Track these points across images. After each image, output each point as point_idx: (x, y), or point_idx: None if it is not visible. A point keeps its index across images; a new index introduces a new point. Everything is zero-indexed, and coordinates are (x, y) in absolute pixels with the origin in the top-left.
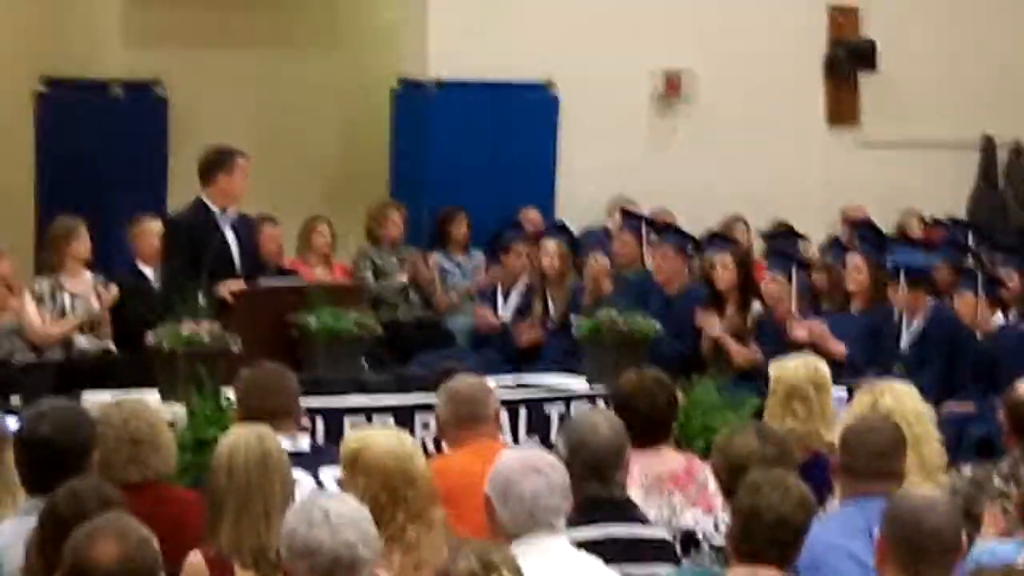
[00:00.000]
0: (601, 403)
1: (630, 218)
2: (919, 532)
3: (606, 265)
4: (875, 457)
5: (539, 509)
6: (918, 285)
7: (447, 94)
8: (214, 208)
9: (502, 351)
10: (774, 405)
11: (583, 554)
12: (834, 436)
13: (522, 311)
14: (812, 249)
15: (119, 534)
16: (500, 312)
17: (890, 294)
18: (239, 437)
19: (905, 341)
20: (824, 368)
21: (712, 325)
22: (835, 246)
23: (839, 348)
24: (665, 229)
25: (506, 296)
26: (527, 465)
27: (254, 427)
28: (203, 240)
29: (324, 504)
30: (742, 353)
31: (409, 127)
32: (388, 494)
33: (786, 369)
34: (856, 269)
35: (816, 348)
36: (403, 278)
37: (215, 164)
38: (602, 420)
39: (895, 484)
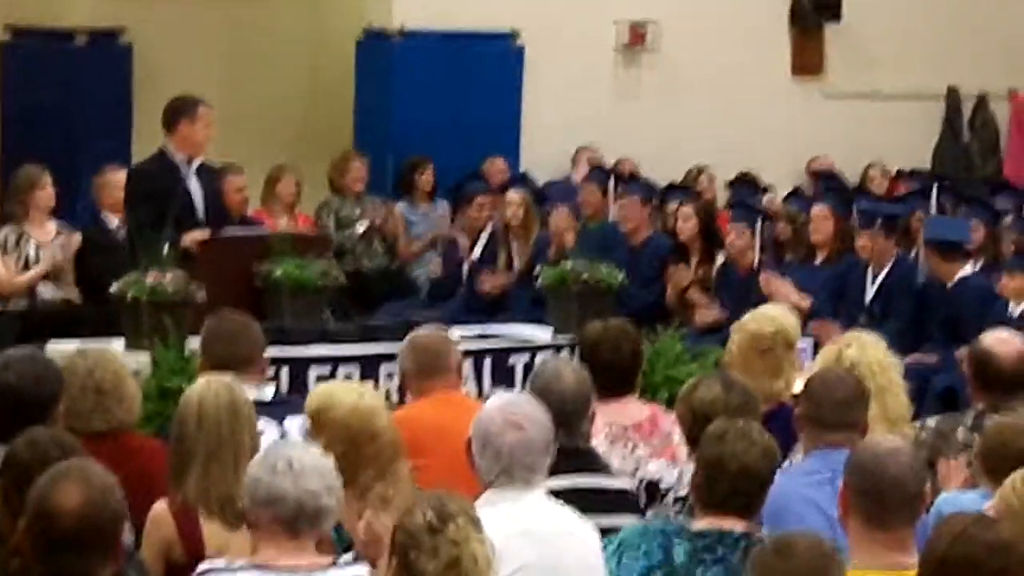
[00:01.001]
0: (566, 353)
1: (597, 171)
2: (882, 480)
3: (570, 218)
4: (838, 407)
5: (515, 465)
6: (893, 232)
7: (411, 44)
8: (178, 158)
9: (467, 301)
10: (742, 356)
11: (557, 504)
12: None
13: (486, 262)
14: (776, 200)
15: (83, 479)
16: (464, 262)
17: (858, 244)
18: (208, 386)
19: (870, 292)
20: (792, 318)
21: (681, 279)
22: (799, 197)
23: (804, 303)
24: (631, 180)
25: (471, 247)
26: (508, 420)
27: (222, 376)
28: (166, 190)
29: (288, 453)
30: (707, 314)
31: (373, 77)
32: (353, 452)
33: (757, 322)
34: (822, 219)
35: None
36: (362, 227)
37: (178, 112)
38: (567, 370)
39: (857, 434)
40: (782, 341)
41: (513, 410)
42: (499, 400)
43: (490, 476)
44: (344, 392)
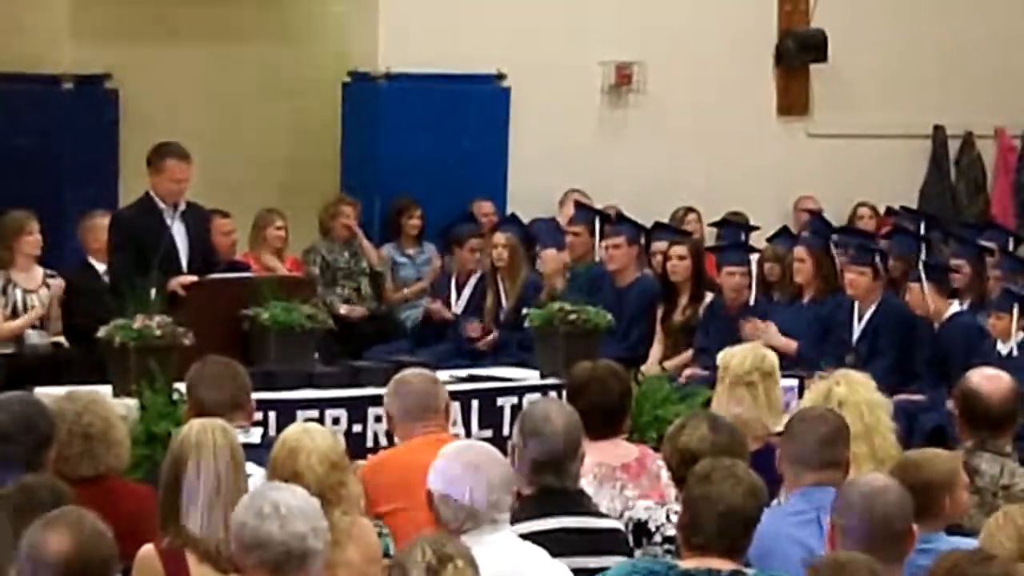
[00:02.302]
0: (553, 395)
1: (583, 211)
2: (870, 517)
3: (562, 261)
4: (820, 446)
5: (479, 507)
6: (867, 267)
7: (397, 86)
8: (160, 203)
9: (454, 344)
10: (721, 392)
11: (527, 545)
12: (782, 426)
13: (475, 304)
14: (762, 240)
15: (74, 526)
16: (453, 306)
17: (845, 280)
18: (205, 429)
19: (857, 331)
20: (772, 357)
21: (652, 368)
22: (785, 236)
23: (790, 345)
24: (618, 220)
25: (459, 290)
26: (466, 463)
27: (215, 420)
28: (148, 235)
29: (273, 496)
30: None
31: (359, 120)
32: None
33: (734, 357)
34: (800, 260)
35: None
36: (344, 311)
37: (148, 161)
38: (557, 411)
39: (840, 473)
40: (770, 370)
41: (467, 453)
42: (451, 448)
43: (456, 523)
44: (291, 428)
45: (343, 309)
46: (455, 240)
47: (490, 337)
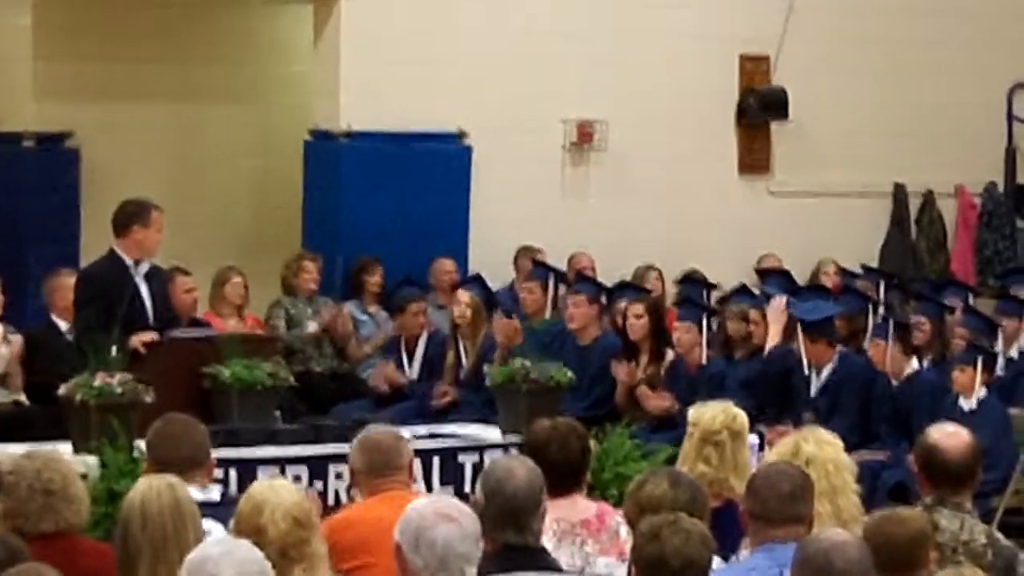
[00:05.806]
0: (515, 452)
1: (540, 269)
2: (829, 573)
3: (513, 327)
4: (783, 502)
5: (451, 556)
6: (817, 337)
7: (359, 145)
8: (127, 260)
9: (417, 404)
10: (688, 449)
11: None
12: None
13: (431, 366)
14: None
15: None
16: (406, 370)
17: (797, 345)
18: (151, 486)
19: (815, 389)
20: (743, 417)
21: (627, 375)
22: (743, 294)
23: (661, 406)
24: (579, 279)
25: (410, 354)
26: (439, 513)
27: (164, 476)
28: (116, 292)
29: (218, 552)
30: (658, 405)
31: (321, 178)
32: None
33: (704, 414)
34: (757, 322)
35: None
36: (312, 327)
37: (133, 216)
38: (520, 467)
39: (804, 528)
40: (740, 430)
41: (440, 504)
42: (422, 500)
43: (427, 572)
44: (258, 483)
45: (311, 327)
46: (398, 305)
47: (448, 398)
